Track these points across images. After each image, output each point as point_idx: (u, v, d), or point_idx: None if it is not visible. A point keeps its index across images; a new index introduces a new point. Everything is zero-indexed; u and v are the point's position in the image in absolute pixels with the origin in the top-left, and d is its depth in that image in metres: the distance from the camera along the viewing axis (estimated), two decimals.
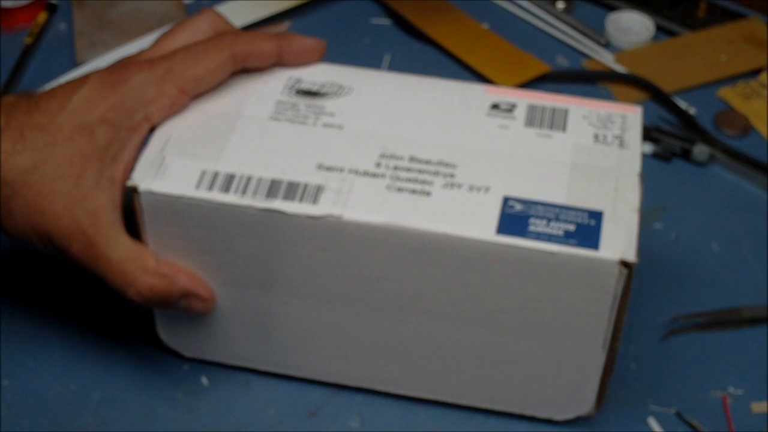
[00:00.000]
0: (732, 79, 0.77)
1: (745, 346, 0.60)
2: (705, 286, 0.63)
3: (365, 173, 0.50)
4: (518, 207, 0.49)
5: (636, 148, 0.52)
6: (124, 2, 0.79)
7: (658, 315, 0.61)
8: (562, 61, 0.78)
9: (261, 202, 0.49)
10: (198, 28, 0.54)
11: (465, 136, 0.52)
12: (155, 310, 0.55)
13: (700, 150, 0.70)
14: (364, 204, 0.49)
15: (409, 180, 0.50)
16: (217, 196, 0.49)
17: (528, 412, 0.55)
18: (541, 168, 0.51)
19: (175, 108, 0.52)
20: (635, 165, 0.51)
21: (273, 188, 0.49)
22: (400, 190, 0.50)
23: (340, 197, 0.49)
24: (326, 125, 0.53)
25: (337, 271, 0.51)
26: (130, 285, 0.50)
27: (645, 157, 0.66)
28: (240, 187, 0.50)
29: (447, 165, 0.51)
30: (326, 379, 0.57)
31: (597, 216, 0.48)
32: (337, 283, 0.51)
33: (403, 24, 0.80)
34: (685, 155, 0.70)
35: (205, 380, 0.58)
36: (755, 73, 0.77)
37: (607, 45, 0.79)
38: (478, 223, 0.48)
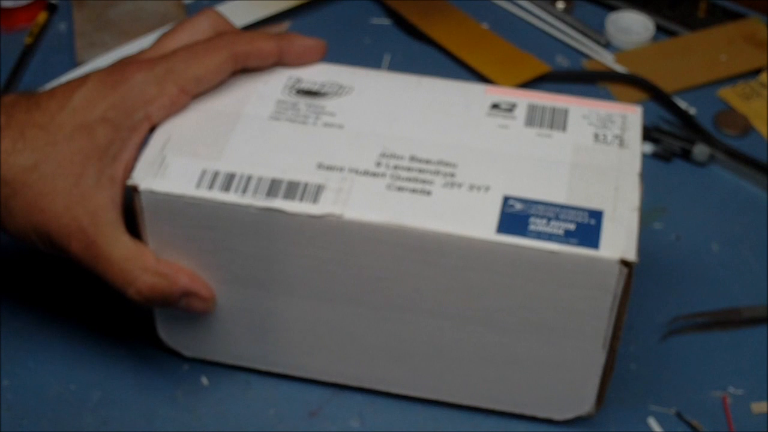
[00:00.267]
0: (732, 79, 0.77)
1: (745, 346, 0.60)
2: (705, 286, 0.63)
3: (365, 173, 0.50)
4: (518, 206, 0.49)
5: (636, 147, 0.52)
6: (124, 2, 0.79)
7: (658, 315, 0.61)
8: (562, 61, 0.78)
9: (261, 202, 0.49)
10: (198, 28, 0.54)
11: (465, 135, 0.52)
12: (155, 309, 0.55)
13: (700, 150, 0.70)
14: (364, 203, 0.49)
15: (409, 179, 0.50)
16: (218, 195, 0.49)
17: (528, 412, 0.55)
18: (541, 167, 0.51)
19: (176, 107, 0.52)
20: (635, 165, 0.51)
21: (273, 187, 0.50)
22: (400, 189, 0.50)
23: (340, 196, 0.49)
24: (326, 125, 0.53)
25: (337, 270, 0.51)
26: (130, 284, 0.50)
27: (645, 157, 0.66)
28: (240, 187, 0.50)
29: (447, 164, 0.51)
30: (326, 379, 0.57)
31: (597, 215, 0.48)
32: (337, 283, 0.51)
33: (403, 24, 0.80)
34: (685, 155, 0.70)
35: (205, 380, 0.58)
36: (755, 73, 0.77)
37: (607, 45, 0.79)
38: (478, 223, 0.48)
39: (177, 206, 0.50)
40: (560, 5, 0.82)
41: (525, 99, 0.54)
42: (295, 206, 0.49)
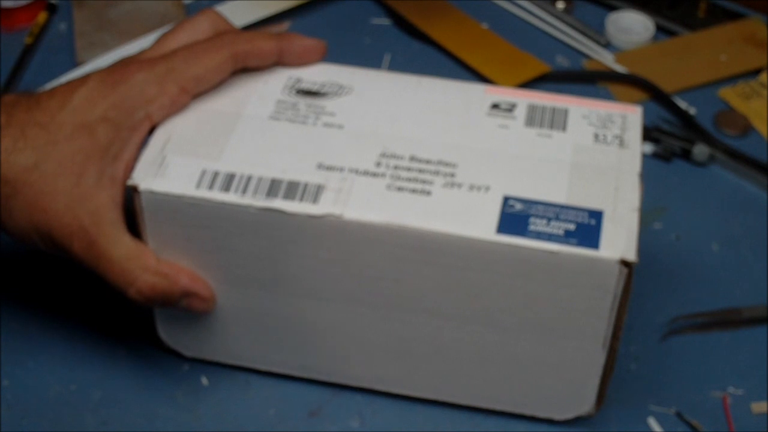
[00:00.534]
0: (732, 79, 0.77)
1: (745, 346, 0.60)
2: (705, 286, 0.63)
3: (365, 173, 0.50)
4: (518, 206, 0.49)
5: (636, 147, 0.52)
6: (124, 2, 0.79)
7: (658, 315, 0.61)
8: (562, 61, 0.78)
9: (261, 202, 0.49)
10: (198, 28, 0.54)
11: (465, 135, 0.52)
12: (155, 309, 0.55)
13: (700, 150, 0.70)
14: (364, 203, 0.49)
15: (409, 179, 0.50)
16: (218, 195, 0.49)
17: (528, 412, 0.55)
18: (542, 167, 0.51)
19: (176, 107, 0.52)
20: (635, 165, 0.51)
21: (273, 188, 0.50)
22: (400, 189, 0.50)
23: (340, 197, 0.49)
24: (326, 125, 0.53)
25: (337, 270, 0.51)
26: (130, 284, 0.50)
27: (645, 157, 0.66)
28: (240, 187, 0.50)
29: (447, 164, 0.51)
30: (326, 379, 0.57)
31: (597, 215, 0.48)
32: (337, 283, 0.51)
33: (403, 24, 0.80)
34: (685, 155, 0.70)
35: (205, 380, 0.58)
36: (755, 73, 0.77)
37: (607, 45, 0.79)
38: (479, 223, 0.48)
39: (177, 206, 0.50)
40: (560, 5, 0.82)
41: (525, 99, 0.54)
42: (295, 206, 0.49)
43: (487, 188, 0.50)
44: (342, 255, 0.50)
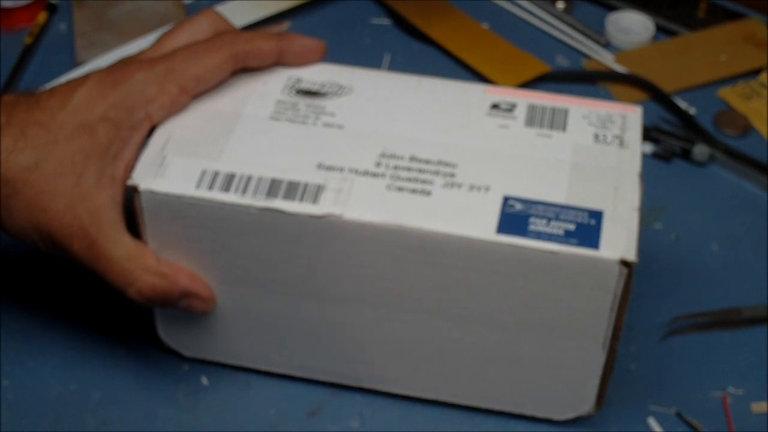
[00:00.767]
0: (732, 79, 0.77)
1: (745, 346, 0.60)
2: (705, 286, 0.63)
3: (365, 173, 0.50)
4: (518, 206, 0.49)
5: (636, 147, 0.52)
6: (124, 2, 0.79)
7: (658, 315, 0.61)
8: (562, 61, 0.78)
9: (261, 202, 0.49)
10: (198, 28, 0.54)
11: (465, 135, 0.52)
12: (155, 309, 0.55)
13: (700, 150, 0.70)
14: (364, 203, 0.49)
15: (409, 179, 0.50)
16: (218, 195, 0.49)
17: (528, 412, 0.55)
18: (541, 168, 0.51)
19: (176, 107, 0.52)
20: (635, 165, 0.51)
21: (273, 188, 0.50)
22: (400, 189, 0.50)
23: (340, 197, 0.49)
24: (326, 125, 0.53)
25: (338, 270, 0.51)
26: (130, 284, 0.50)
27: (645, 157, 0.66)
28: (240, 187, 0.50)
29: (447, 165, 0.51)
30: (326, 379, 0.57)
31: (597, 215, 0.48)
32: (338, 283, 0.51)
33: (403, 24, 0.80)
34: (685, 155, 0.70)
35: (205, 380, 0.58)
36: (755, 73, 0.77)
37: (607, 45, 0.79)
38: (478, 223, 0.48)
39: (177, 206, 0.50)
40: (560, 5, 0.82)
41: (525, 99, 0.54)
42: (295, 206, 0.49)
43: (487, 188, 0.50)
44: (342, 255, 0.50)
